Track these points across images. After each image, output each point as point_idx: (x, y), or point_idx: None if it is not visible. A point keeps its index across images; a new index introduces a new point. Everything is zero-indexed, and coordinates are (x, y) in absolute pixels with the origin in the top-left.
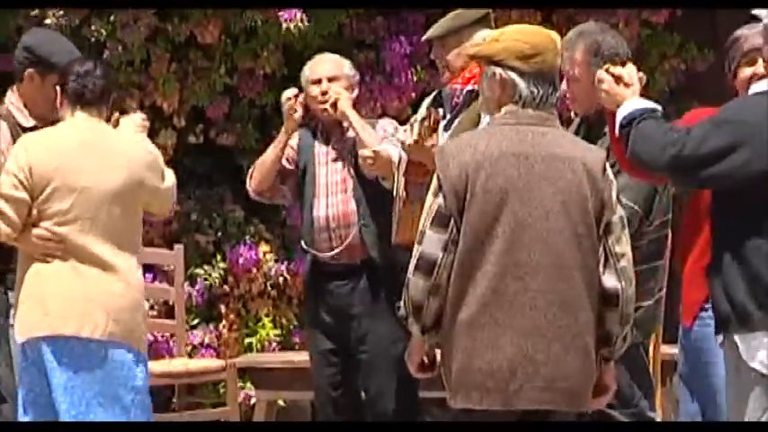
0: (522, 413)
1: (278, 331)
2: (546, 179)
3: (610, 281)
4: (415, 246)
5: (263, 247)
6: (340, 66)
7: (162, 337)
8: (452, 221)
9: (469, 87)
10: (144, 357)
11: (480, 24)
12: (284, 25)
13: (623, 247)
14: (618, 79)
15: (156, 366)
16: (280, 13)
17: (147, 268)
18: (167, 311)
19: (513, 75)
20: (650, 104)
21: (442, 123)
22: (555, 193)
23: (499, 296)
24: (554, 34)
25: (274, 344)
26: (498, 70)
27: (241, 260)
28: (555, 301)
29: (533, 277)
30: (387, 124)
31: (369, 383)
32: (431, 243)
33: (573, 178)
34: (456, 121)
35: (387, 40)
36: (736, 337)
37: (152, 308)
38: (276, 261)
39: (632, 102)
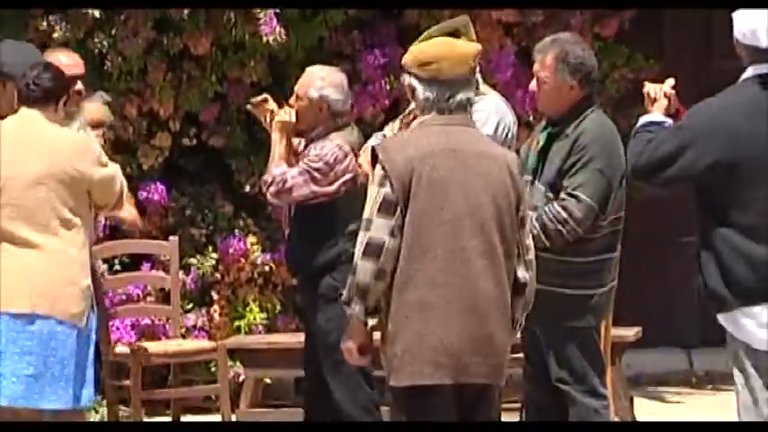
0: (467, 387)
1: (264, 315)
2: (477, 173)
3: (520, 271)
4: (361, 233)
5: (251, 239)
6: (305, 86)
7: (159, 320)
8: (398, 209)
9: None
10: (79, 328)
11: (455, 36)
12: (265, 38)
13: (530, 241)
14: (647, 96)
15: (153, 347)
16: (261, 27)
17: (146, 258)
18: (163, 297)
19: (413, 80)
20: (658, 118)
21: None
22: (485, 186)
23: (448, 278)
24: (466, 45)
25: (261, 327)
26: (405, 76)
27: (231, 251)
28: (492, 283)
29: (475, 261)
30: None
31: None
32: (378, 229)
33: (499, 174)
34: None
35: (362, 52)
36: (720, 317)
37: (149, 294)
38: (262, 252)
39: (646, 116)
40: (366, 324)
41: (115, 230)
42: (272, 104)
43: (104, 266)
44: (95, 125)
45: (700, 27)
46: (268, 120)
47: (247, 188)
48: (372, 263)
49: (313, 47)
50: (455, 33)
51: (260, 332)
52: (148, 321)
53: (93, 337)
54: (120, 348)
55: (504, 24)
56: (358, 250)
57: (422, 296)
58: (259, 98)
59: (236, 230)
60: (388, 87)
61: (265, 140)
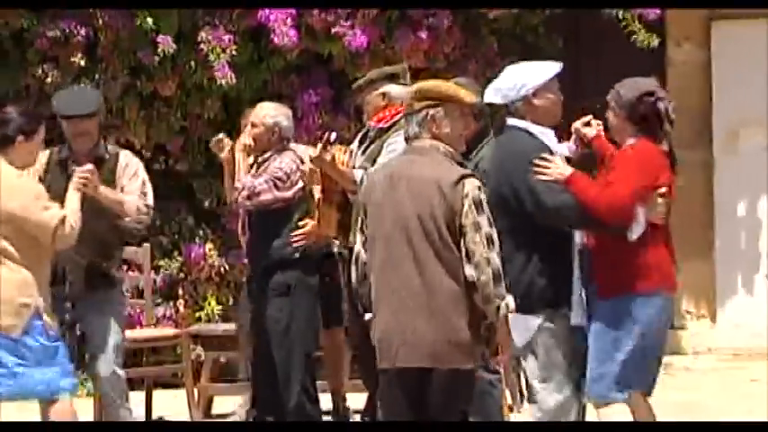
0: (408, 371)
1: (220, 307)
2: (406, 194)
3: (468, 271)
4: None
5: (209, 246)
6: (260, 116)
7: (134, 312)
8: (364, 226)
9: (380, 125)
10: (13, 338)
11: (393, 80)
12: (219, 82)
13: (477, 245)
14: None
15: (130, 334)
16: (216, 73)
17: (124, 261)
18: (138, 293)
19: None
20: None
21: (362, 148)
22: (413, 204)
23: (383, 282)
24: (423, 85)
25: (217, 316)
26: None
27: (192, 255)
28: (417, 285)
29: (402, 267)
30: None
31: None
32: (358, 243)
33: (426, 193)
34: (369, 149)
35: (299, 92)
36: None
37: (127, 290)
38: (218, 256)
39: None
40: (369, 320)
41: None
42: (227, 141)
43: None
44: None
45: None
46: (226, 150)
47: (206, 204)
48: (355, 270)
49: (259, 88)
50: (394, 77)
51: (217, 321)
52: (126, 313)
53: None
54: None
55: (414, 69)
56: (352, 260)
57: (374, 296)
58: (216, 138)
59: (197, 239)
60: (320, 121)
61: (220, 167)
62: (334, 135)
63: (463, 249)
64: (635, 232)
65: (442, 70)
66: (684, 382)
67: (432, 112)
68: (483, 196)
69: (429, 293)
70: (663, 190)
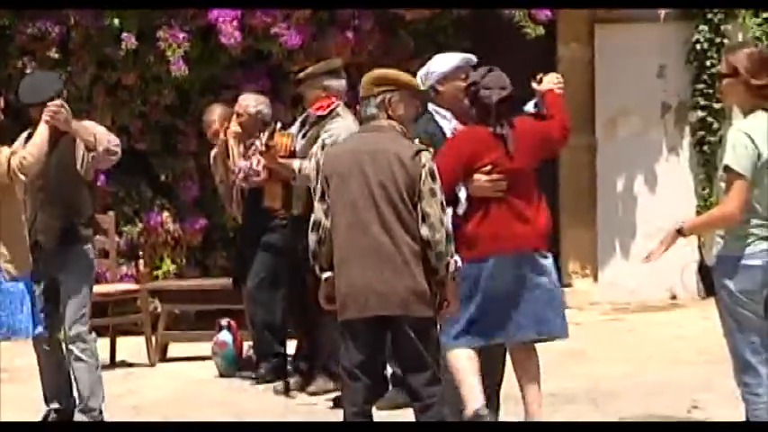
0: (375, 319)
1: (174, 267)
2: (370, 166)
3: (423, 231)
4: (312, 214)
5: (165, 214)
6: (244, 106)
7: (101, 270)
8: (326, 196)
9: (318, 113)
10: None
11: (331, 74)
12: (174, 73)
13: (433, 208)
14: None
15: (98, 289)
16: (172, 66)
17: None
18: (104, 254)
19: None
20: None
21: (302, 132)
22: (376, 174)
23: (351, 243)
24: (369, 75)
25: (172, 275)
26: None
27: (151, 222)
28: (385, 244)
29: (369, 230)
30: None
31: None
32: (318, 211)
33: (388, 165)
34: (309, 134)
35: (242, 84)
36: None
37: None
38: (173, 222)
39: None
40: (325, 278)
41: None
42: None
43: None
44: None
45: None
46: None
47: (162, 178)
48: (315, 235)
49: (208, 79)
50: (332, 72)
51: (171, 278)
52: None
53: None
54: None
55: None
56: (309, 227)
57: (339, 257)
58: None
59: (155, 208)
60: None
61: (174, 147)
62: (279, 124)
63: (420, 212)
64: (459, 208)
65: (366, 65)
66: (571, 332)
67: (389, 96)
68: (435, 167)
69: (395, 251)
70: (486, 168)
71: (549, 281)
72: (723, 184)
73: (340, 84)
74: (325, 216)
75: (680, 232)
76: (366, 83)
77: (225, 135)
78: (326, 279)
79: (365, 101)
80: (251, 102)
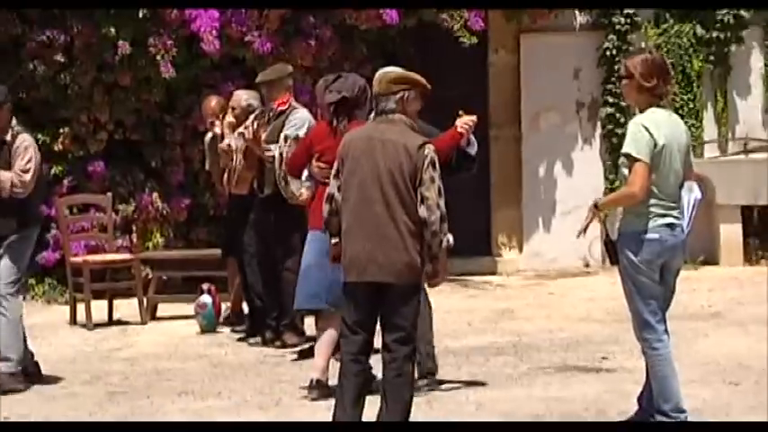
0: (371, 284)
1: (163, 240)
2: (380, 152)
3: (422, 212)
4: (327, 189)
5: (155, 195)
6: (237, 101)
7: (100, 243)
8: (340, 174)
9: (280, 108)
10: None
11: (289, 77)
12: (163, 75)
13: (431, 192)
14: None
15: (97, 258)
16: (161, 68)
17: (93, 206)
18: (102, 228)
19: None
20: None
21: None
22: (385, 161)
23: (358, 216)
24: (383, 75)
25: (161, 246)
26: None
27: (143, 201)
28: (386, 220)
29: (374, 206)
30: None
31: None
32: (332, 187)
33: (395, 153)
34: (273, 124)
35: (221, 84)
36: None
37: (94, 227)
38: (161, 202)
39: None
40: (334, 243)
41: (75, 189)
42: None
43: (67, 211)
44: None
45: None
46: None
47: (153, 164)
48: (328, 206)
49: (192, 80)
50: (291, 75)
51: (161, 249)
52: (94, 243)
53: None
54: (76, 259)
55: (302, 67)
56: (324, 199)
57: (347, 227)
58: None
59: (146, 189)
60: None
61: (166, 137)
62: (257, 123)
63: (419, 196)
64: (305, 188)
65: (325, 69)
66: (500, 295)
67: (406, 94)
68: (436, 157)
69: (394, 227)
70: (317, 155)
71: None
72: (626, 170)
73: (292, 85)
74: (338, 191)
75: (596, 207)
76: (385, 81)
77: (221, 125)
78: (335, 244)
79: (384, 97)
80: (243, 96)
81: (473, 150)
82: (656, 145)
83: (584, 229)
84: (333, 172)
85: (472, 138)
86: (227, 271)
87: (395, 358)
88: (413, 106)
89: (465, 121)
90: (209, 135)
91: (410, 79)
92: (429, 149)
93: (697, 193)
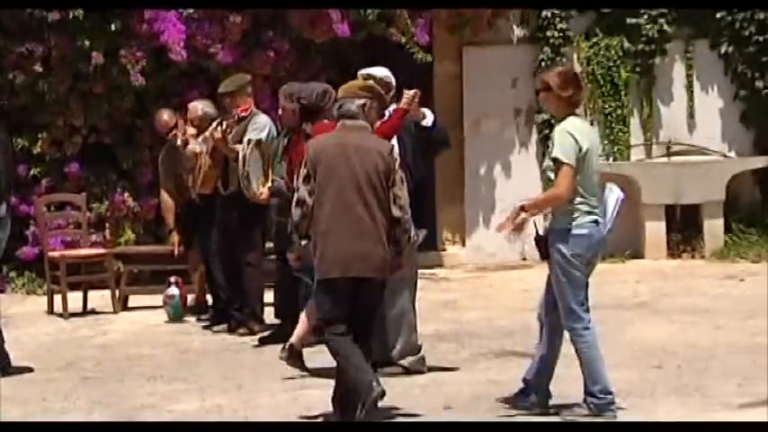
0: (352, 279)
1: (134, 235)
2: (356, 158)
3: (394, 211)
4: (296, 194)
5: (126, 194)
6: (194, 112)
7: (76, 238)
8: (311, 180)
9: (242, 114)
10: None
11: (249, 85)
12: (134, 83)
13: (402, 192)
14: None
15: (73, 253)
16: (131, 78)
17: (69, 204)
18: (77, 225)
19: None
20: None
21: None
22: (362, 165)
23: (338, 218)
24: (350, 84)
25: (132, 242)
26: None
27: (115, 200)
28: (367, 219)
29: (355, 208)
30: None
31: None
32: (302, 191)
33: (370, 157)
34: (235, 129)
35: (187, 92)
36: None
37: (70, 224)
38: (133, 201)
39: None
40: (300, 244)
41: (52, 189)
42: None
43: (45, 209)
44: None
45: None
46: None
47: (125, 166)
48: (299, 210)
49: (160, 88)
50: (250, 83)
51: (131, 245)
52: (70, 239)
53: None
54: (53, 254)
55: (262, 76)
56: (293, 203)
57: (325, 228)
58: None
59: (118, 189)
60: None
61: (137, 140)
62: (225, 123)
63: (392, 195)
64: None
65: (283, 78)
66: (444, 287)
67: (369, 102)
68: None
69: (373, 226)
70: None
71: None
72: (551, 173)
73: (252, 92)
74: (309, 195)
75: (523, 209)
76: (350, 88)
77: (182, 136)
78: (303, 246)
79: (348, 101)
80: (198, 106)
81: (429, 122)
82: (580, 149)
83: (504, 227)
84: (301, 177)
85: (426, 111)
86: (187, 264)
87: (368, 349)
88: (372, 116)
89: (406, 95)
90: (166, 148)
91: (374, 91)
92: (396, 152)
93: (619, 193)
